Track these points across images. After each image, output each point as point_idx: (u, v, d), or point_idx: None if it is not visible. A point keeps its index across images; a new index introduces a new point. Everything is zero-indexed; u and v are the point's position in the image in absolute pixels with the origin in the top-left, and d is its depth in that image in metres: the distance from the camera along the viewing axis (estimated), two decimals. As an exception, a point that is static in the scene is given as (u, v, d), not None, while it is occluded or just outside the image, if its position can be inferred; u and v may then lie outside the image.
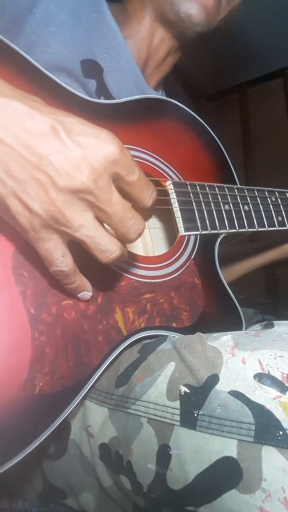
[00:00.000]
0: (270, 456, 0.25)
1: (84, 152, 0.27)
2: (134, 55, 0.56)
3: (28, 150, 0.26)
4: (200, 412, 0.29)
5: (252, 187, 0.52)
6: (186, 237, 0.46)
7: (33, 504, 0.40)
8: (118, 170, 0.28)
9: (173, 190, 0.44)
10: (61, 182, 0.26)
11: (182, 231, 0.44)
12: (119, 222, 0.29)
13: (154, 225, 0.53)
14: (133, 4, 0.57)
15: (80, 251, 0.30)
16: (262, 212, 0.52)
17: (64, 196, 0.27)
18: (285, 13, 1.62)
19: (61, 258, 0.29)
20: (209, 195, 0.47)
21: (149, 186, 0.31)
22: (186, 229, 0.44)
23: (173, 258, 0.44)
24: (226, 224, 0.47)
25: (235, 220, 0.48)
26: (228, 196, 0.49)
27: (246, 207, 0.50)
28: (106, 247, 0.29)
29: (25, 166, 0.26)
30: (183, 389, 0.31)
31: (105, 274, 0.37)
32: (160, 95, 0.62)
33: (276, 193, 0.55)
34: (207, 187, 0.47)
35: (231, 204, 0.48)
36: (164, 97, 0.51)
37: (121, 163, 0.28)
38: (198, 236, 0.47)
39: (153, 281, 0.40)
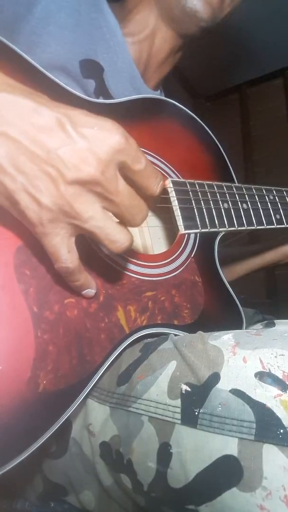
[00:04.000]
0: (271, 454, 0.25)
1: (90, 144, 0.27)
2: (134, 55, 0.56)
3: (37, 144, 0.26)
4: (201, 411, 0.29)
5: (250, 186, 0.52)
6: (186, 235, 0.46)
7: (33, 504, 0.40)
8: (124, 159, 0.28)
9: (172, 189, 0.44)
10: (69, 175, 0.27)
11: (182, 229, 0.44)
12: (125, 210, 0.29)
13: (153, 223, 0.53)
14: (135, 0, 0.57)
15: (83, 249, 0.30)
16: (260, 210, 0.52)
17: (73, 188, 0.27)
18: (285, 13, 1.62)
19: (66, 255, 0.29)
20: (208, 193, 0.47)
21: (156, 173, 0.31)
22: (186, 227, 0.44)
23: (173, 257, 0.44)
24: (225, 222, 0.47)
25: (234, 218, 0.48)
26: (227, 195, 0.49)
27: (244, 206, 0.50)
28: (116, 237, 0.29)
29: (34, 160, 0.26)
30: (184, 387, 0.31)
31: (106, 272, 0.37)
32: (159, 95, 0.62)
33: (274, 191, 0.55)
34: (206, 186, 0.47)
35: (229, 202, 0.48)
36: (163, 97, 0.51)
37: (127, 152, 0.28)
38: (198, 234, 0.47)
39: (154, 279, 0.40)
